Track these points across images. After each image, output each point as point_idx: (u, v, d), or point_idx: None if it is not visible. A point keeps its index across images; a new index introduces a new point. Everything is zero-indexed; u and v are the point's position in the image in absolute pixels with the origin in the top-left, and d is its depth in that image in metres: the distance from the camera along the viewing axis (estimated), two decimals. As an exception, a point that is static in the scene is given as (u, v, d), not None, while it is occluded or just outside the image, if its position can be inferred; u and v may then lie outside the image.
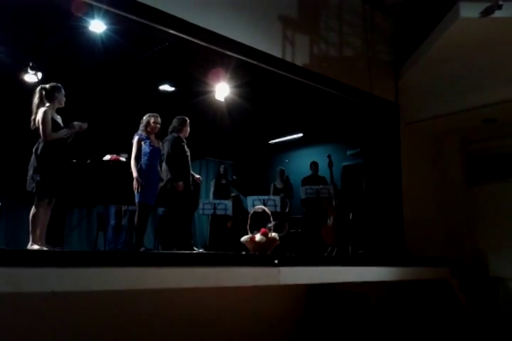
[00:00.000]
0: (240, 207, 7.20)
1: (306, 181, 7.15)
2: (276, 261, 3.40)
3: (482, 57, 5.72)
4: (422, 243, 6.20)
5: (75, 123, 3.97)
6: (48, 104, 3.88)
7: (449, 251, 6.47)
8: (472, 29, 5.27)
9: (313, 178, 7.20)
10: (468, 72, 6.00)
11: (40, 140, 3.83)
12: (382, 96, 6.52)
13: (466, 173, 7.31)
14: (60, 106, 3.98)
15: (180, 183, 4.67)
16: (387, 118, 6.72)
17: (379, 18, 6.59)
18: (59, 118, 3.99)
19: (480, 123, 6.53)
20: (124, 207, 6.06)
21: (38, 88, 3.92)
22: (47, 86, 3.93)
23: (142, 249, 4.44)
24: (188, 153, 4.94)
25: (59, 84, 3.99)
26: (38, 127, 3.78)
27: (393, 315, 5.44)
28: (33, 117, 3.85)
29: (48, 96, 3.89)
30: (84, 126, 3.99)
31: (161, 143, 4.77)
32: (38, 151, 3.79)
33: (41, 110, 3.82)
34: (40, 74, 5.97)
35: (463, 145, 7.30)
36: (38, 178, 3.73)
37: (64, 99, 3.99)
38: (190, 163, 4.97)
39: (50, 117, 3.81)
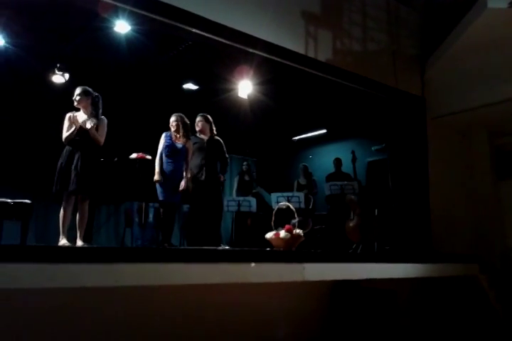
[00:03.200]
0: (261, 203, 7.22)
1: (330, 178, 7.12)
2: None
3: (511, 48, 5.58)
4: (450, 239, 6.10)
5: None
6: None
7: (477, 246, 6.35)
8: (500, 20, 5.14)
9: (337, 175, 7.16)
10: (496, 64, 5.85)
11: None
12: (408, 91, 6.42)
13: (495, 168, 7.14)
14: (80, 107, 4.11)
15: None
16: (412, 112, 6.61)
17: (403, 12, 6.48)
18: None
19: (509, 116, 6.36)
20: (149, 204, 6.15)
21: None
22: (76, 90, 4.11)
23: (165, 245, 4.52)
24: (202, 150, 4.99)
25: (79, 88, 4.13)
26: None
27: (420, 312, 5.37)
28: None
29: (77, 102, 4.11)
30: (87, 125, 4.06)
31: (189, 142, 4.85)
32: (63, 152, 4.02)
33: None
34: (67, 75, 6.12)
35: (491, 139, 7.13)
36: (61, 177, 3.90)
37: (81, 100, 4.10)
38: (204, 160, 4.96)
39: (68, 120, 4.03)
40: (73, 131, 4.00)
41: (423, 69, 6.60)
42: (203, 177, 4.85)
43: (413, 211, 6.31)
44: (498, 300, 5.57)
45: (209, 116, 5.14)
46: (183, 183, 4.66)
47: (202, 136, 5.07)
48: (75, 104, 4.12)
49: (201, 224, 4.85)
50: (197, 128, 5.08)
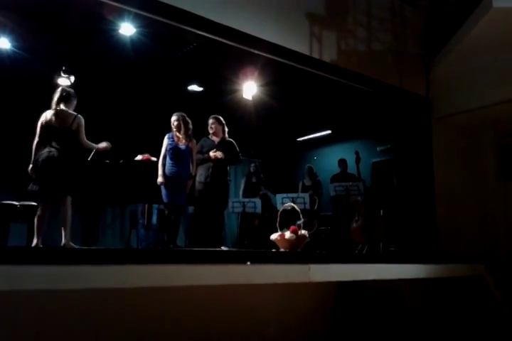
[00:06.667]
0: (267, 205, 7.22)
1: (335, 178, 7.11)
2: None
3: (517, 47, 5.56)
4: (456, 239, 6.08)
5: (104, 144, 4.19)
6: (64, 106, 4.07)
7: (484, 247, 6.32)
8: (506, 19, 5.12)
9: (343, 175, 7.15)
10: (502, 64, 5.82)
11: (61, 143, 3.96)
12: (413, 91, 6.40)
13: (501, 168, 7.11)
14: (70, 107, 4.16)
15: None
16: (418, 112, 6.60)
17: (408, 12, 6.47)
18: None
19: (515, 116, 6.34)
20: (154, 206, 6.17)
21: (61, 88, 4.12)
22: (70, 90, 4.10)
23: (170, 247, 4.53)
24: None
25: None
26: (76, 132, 3.97)
27: (426, 312, 5.35)
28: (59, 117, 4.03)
29: (68, 99, 4.08)
30: (107, 146, 4.19)
31: (193, 142, 4.84)
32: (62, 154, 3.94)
33: (80, 117, 4.02)
34: (72, 78, 6.15)
35: (497, 138, 7.09)
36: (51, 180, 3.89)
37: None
38: (213, 162, 4.97)
39: None
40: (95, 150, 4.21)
41: (428, 69, 6.59)
42: (209, 179, 4.84)
43: (419, 211, 6.29)
44: (505, 301, 5.54)
45: (221, 118, 5.14)
46: (189, 183, 4.69)
47: (214, 138, 5.06)
48: (73, 103, 4.14)
49: (206, 226, 4.86)
50: (210, 131, 5.06)
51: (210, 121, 5.10)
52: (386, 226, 5.72)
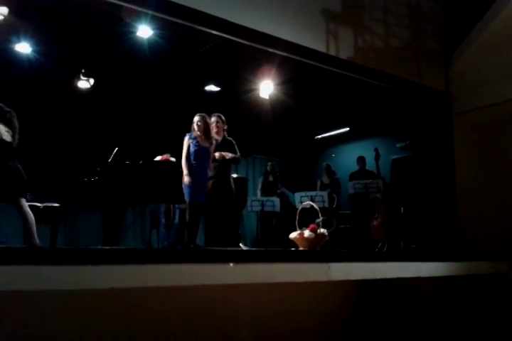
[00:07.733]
0: (285, 203, 7.21)
1: (353, 176, 7.07)
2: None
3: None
4: (479, 236, 5.98)
5: None
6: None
7: (507, 244, 6.20)
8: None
9: (361, 173, 7.10)
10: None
11: None
12: (432, 86, 6.31)
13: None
14: None
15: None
16: (437, 108, 6.50)
17: (425, 6, 6.37)
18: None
19: (540, 110, 6.20)
20: (176, 206, 6.23)
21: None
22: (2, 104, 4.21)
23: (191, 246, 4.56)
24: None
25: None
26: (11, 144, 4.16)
27: (449, 310, 5.29)
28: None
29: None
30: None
31: (213, 142, 4.85)
32: None
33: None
34: (92, 80, 6.24)
35: (520, 133, 6.95)
36: None
37: None
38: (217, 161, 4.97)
39: None
40: None
41: (447, 64, 6.49)
42: (215, 178, 4.85)
43: (440, 208, 6.21)
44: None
45: (223, 117, 5.13)
46: (209, 183, 4.72)
47: (216, 137, 5.05)
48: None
49: (216, 225, 4.87)
50: (214, 130, 5.03)
51: (214, 119, 5.04)
52: (407, 224, 5.66)
